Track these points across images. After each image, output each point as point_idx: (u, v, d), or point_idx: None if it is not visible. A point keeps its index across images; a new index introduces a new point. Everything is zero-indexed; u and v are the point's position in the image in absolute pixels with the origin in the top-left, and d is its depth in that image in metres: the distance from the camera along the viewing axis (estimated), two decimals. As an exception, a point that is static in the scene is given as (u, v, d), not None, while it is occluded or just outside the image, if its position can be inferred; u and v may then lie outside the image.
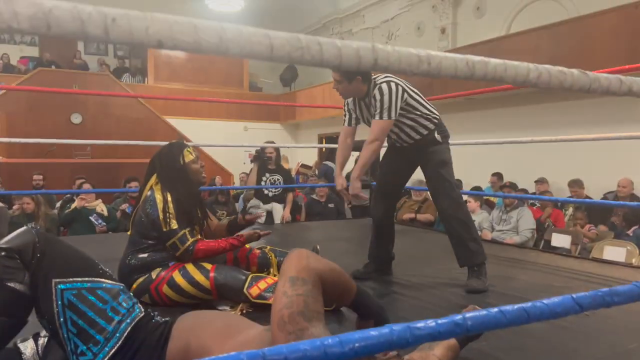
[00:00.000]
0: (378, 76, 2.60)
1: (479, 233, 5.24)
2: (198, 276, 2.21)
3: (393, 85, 2.51)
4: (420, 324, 0.72)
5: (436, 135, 2.68)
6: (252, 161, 5.18)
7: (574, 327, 2.06)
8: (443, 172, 2.65)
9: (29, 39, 12.83)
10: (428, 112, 2.68)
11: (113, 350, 1.22)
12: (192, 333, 1.26)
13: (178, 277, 2.20)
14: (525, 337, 1.96)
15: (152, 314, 1.39)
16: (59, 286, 1.24)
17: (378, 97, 2.50)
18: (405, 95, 2.56)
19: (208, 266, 2.25)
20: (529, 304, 0.82)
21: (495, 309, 0.79)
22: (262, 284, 2.22)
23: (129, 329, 1.26)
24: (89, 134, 8.74)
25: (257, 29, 0.57)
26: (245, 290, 2.18)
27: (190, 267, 2.23)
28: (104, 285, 1.30)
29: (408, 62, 0.66)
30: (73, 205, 5.07)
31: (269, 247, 2.91)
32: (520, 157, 7.12)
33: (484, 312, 0.78)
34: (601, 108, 6.18)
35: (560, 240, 4.79)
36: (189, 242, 2.24)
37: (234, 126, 11.94)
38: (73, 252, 1.36)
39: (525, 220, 5.02)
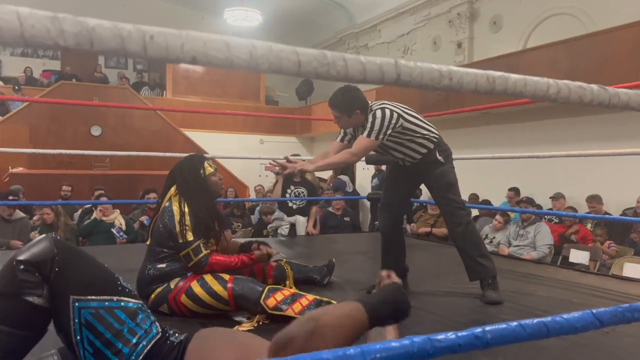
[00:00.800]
0: (374, 103, 2.70)
1: (497, 249, 5.21)
2: (216, 287, 2.23)
3: (387, 111, 2.60)
4: (441, 336, 0.73)
5: (437, 155, 2.73)
6: (276, 174, 5.22)
7: (592, 345, 2.03)
8: (449, 195, 2.74)
9: (51, 53, 13.14)
10: (427, 132, 2.72)
11: None
12: (207, 355, 1.27)
13: (196, 288, 2.22)
14: (541, 354, 1.93)
15: (167, 333, 1.37)
16: (76, 304, 1.22)
17: (370, 119, 2.60)
18: (401, 120, 2.62)
19: (226, 277, 2.26)
20: (548, 319, 0.82)
21: (515, 323, 0.79)
22: (279, 296, 2.23)
23: (145, 352, 1.25)
24: (107, 146, 8.88)
25: (285, 45, 0.59)
26: (262, 301, 2.19)
27: (208, 278, 2.25)
28: (122, 304, 1.28)
29: (430, 78, 0.68)
30: (92, 217, 5.15)
31: (284, 259, 2.93)
32: (538, 172, 7.06)
33: (503, 325, 0.78)
34: (620, 123, 6.11)
35: (578, 256, 4.72)
36: (202, 255, 2.27)
37: (250, 139, 12.03)
38: (92, 267, 1.33)
39: (542, 235, 4.97)
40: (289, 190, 5.03)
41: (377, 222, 7.24)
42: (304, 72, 0.60)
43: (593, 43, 6.12)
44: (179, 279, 2.27)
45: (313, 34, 13.64)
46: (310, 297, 2.27)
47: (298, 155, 5.43)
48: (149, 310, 1.39)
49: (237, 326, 2.14)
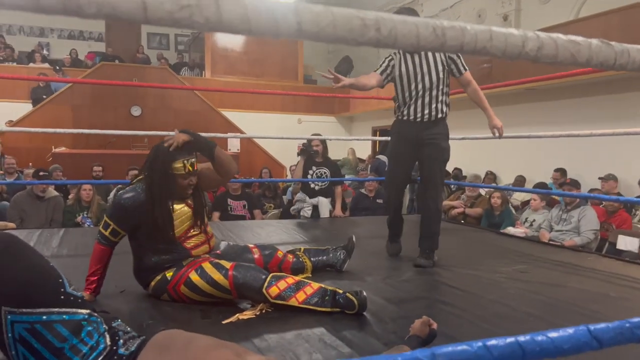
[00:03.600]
0: None
1: (537, 233, 4.90)
2: (216, 275, 2.12)
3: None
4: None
5: (446, 123, 3.05)
6: (298, 154, 5.08)
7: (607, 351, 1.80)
8: (443, 171, 3.10)
9: (97, 34, 13.42)
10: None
11: None
12: None
13: (195, 277, 2.13)
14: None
15: (117, 344, 1.20)
16: (9, 317, 1.06)
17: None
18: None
19: (227, 264, 2.16)
20: (527, 337, 0.65)
21: (479, 343, 0.62)
22: (282, 284, 2.11)
23: None
24: (147, 127, 9.00)
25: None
26: (264, 290, 2.08)
27: (207, 266, 2.15)
28: (64, 317, 1.12)
29: (347, 28, 0.51)
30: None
31: (302, 248, 2.80)
32: (588, 152, 6.61)
33: (463, 346, 0.62)
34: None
35: (627, 243, 4.35)
36: (99, 235, 2.19)
37: (288, 119, 11.93)
38: (30, 272, 1.14)
39: (587, 220, 4.61)
40: (310, 171, 4.87)
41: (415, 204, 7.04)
42: (152, 18, 0.45)
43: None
44: (175, 269, 2.19)
45: (354, 8, 13.27)
46: (315, 285, 2.14)
47: (319, 135, 5.25)
48: (99, 320, 1.22)
49: (238, 314, 2.05)
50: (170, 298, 2.19)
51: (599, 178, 5.99)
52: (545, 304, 2.23)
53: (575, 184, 4.93)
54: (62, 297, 1.14)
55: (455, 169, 8.36)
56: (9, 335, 1.06)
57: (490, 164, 8.12)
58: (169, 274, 2.18)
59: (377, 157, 9.21)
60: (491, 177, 7.95)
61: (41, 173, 5.05)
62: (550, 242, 4.41)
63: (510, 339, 0.64)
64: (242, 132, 9.94)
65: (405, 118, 3.02)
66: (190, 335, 1.20)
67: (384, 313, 2.09)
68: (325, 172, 4.89)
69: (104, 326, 1.21)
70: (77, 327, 1.12)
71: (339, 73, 3.05)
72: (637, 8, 5.73)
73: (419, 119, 2.97)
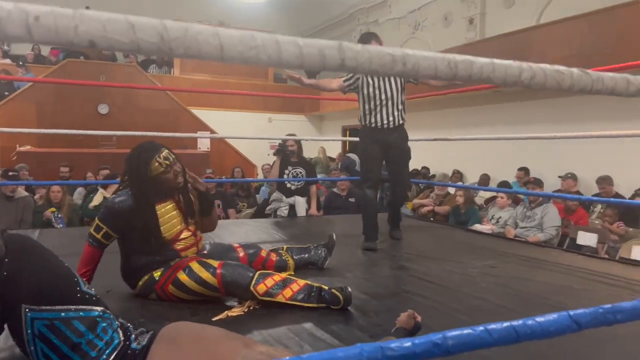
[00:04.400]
0: None
1: (503, 229, 5.13)
2: (204, 274, 2.18)
3: None
4: (395, 344, 0.67)
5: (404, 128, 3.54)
6: (274, 154, 5.15)
7: (588, 333, 1.97)
8: (407, 168, 3.70)
9: (60, 30, 13.04)
10: None
11: None
12: None
13: (183, 277, 2.18)
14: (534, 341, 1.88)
15: (129, 339, 1.27)
16: (29, 314, 1.12)
17: None
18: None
19: (215, 263, 2.22)
20: (519, 322, 0.76)
21: (481, 327, 0.73)
22: (269, 281, 2.19)
23: None
24: (115, 125, 8.87)
25: (205, 26, 0.52)
26: (252, 288, 2.16)
27: (195, 266, 2.21)
28: (81, 314, 1.18)
29: (380, 63, 0.61)
30: (96, 197, 5.12)
31: (285, 247, 2.89)
32: (549, 152, 6.92)
33: (467, 330, 0.73)
34: (636, 102, 5.92)
35: (586, 238, 4.62)
36: (89, 238, 2.23)
37: (258, 117, 11.96)
38: (48, 272, 1.20)
39: (549, 217, 4.86)
40: (286, 171, 4.95)
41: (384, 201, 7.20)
42: (227, 57, 0.53)
43: (611, 18, 5.89)
44: (163, 269, 2.23)
45: (323, 10, 13.40)
46: (302, 282, 2.23)
47: (294, 135, 5.33)
48: (112, 317, 1.29)
49: (227, 311, 2.11)
50: (158, 297, 2.24)
51: (559, 177, 6.29)
52: (515, 297, 2.39)
53: (539, 183, 5.19)
54: (78, 295, 1.20)
55: (423, 167, 8.58)
56: (29, 331, 1.11)
57: (456, 164, 8.37)
58: (156, 274, 2.23)
59: (347, 155, 9.35)
60: (458, 175, 8.20)
61: (10, 173, 4.95)
62: (516, 238, 4.63)
63: (506, 324, 0.75)
64: (211, 131, 9.91)
65: (372, 125, 3.44)
66: (199, 326, 1.27)
67: (367, 307, 2.20)
68: (301, 172, 4.98)
69: (117, 322, 1.28)
70: (92, 323, 1.18)
71: (309, 73, 3.39)
72: (599, 14, 6.03)
73: (385, 126, 3.42)
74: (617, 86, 0.77)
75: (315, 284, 2.23)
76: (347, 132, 11.22)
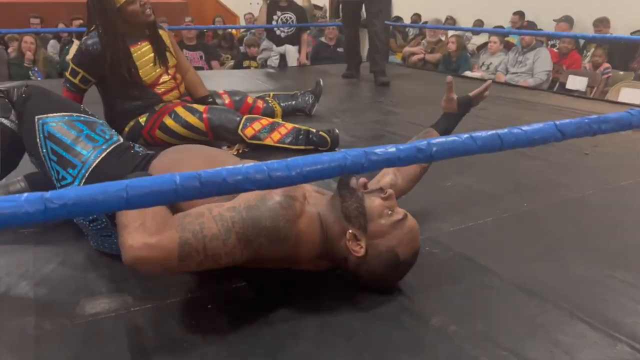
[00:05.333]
0: None
1: (494, 75, 5.05)
2: (191, 119, 2.16)
3: None
4: (379, 150, 0.67)
5: None
6: None
7: (569, 164, 2.04)
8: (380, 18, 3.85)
9: None
10: None
11: (88, 173, 1.24)
12: (172, 166, 1.24)
13: (169, 122, 2.15)
14: (517, 173, 1.95)
15: (133, 144, 1.39)
16: (40, 121, 1.29)
17: None
18: None
19: (200, 108, 2.18)
20: (504, 130, 0.76)
21: (466, 135, 0.73)
22: (257, 125, 2.18)
23: (104, 154, 1.27)
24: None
25: None
26: (240, 131, 2.15)
27: (180, 110, 2.17)
28: (82, 118, 1.33)
29: None
30: (73, 49, 4.87)
31: (272, 94, 2.82)
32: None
33: (453, 137, 0.72)
34: None
35: (576, 82, 4.57)
36: (65, 82, 2.14)
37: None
38: (59, 97, 1.41)
39: (541, 62, 4.75)
40: (275, 17, 4.65)
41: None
42: None
43: None
44: (148, 114, 2.18)
45: None
46: (289, 125, 2.23)
47: None
48: (113, 130, 1.42)
49: (216, 154, 2.14)
50: (146, 143, 2.23)
51: (554, 20, 6.04)
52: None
53: (533, 27, 4.99)
54: (82, 110, 1.39)
55: (415, 14, 8.18)
56: (40, 136, 1.28)
57: (449, 9, 7.97)
58: (142, 119, 2.20)
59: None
60: (451, 21, 7.85)
61: (-23, 25, 4.65)
62: (506, 83, 4.59)
63: (491, 132, 0.75)
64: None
65: None
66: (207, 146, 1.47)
67: (354, 147, 2.22)
68: (291, 17, 4.67)
69: (117, 136, 1.39)
70: (93, 124, 1.34)
71: None
72: None
73: None
74: None
75: (303, 127, 2.22)
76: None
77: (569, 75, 4.67)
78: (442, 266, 1.28)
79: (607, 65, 4.65)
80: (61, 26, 6.16)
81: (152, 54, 2.17)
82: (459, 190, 1.78)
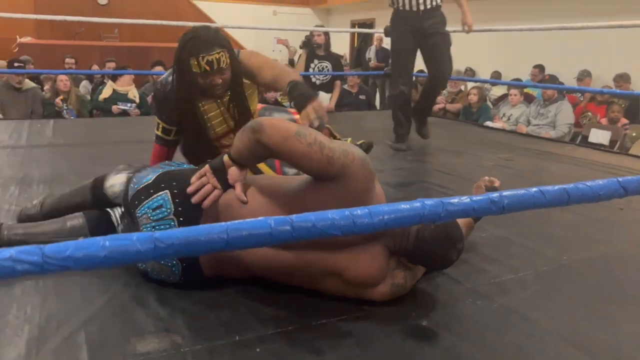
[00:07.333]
0: None
1: (515, 127, 5.10)
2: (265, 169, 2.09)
3: None
4: (454, 200, 0.69)
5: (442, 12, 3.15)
6: (300, 47, 4.91)
7: (605, 219, 2.03)
8: (448, 54, 3.20)
9: None
10: None
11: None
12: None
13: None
14: (550, 225, 1.94)
15: None
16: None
17: None
18: None
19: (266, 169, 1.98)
20: (570, 185, 0.77)
21: (535, 189, 0.75)
22: None
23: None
24: (114, 16, 8.51)
25: None
26: None
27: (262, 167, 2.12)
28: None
29: None
30: (106, 90, 5.00)
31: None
32: (566, 50, 6.67)
33: (522, 191, 0.74)
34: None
35: (598, 136, 4.60)
36: (155, 137, 2.00)
37: (262, 10, 11.43)
38: None
39: (563, 114, 4.81)
40: (312, 65, 4.76)
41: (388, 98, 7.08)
42: None
43: None
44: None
45: None
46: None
47: (322, 26, 5.07)
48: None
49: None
50: None
51: (575, 78, 6.13)
52: (528, 185, 2.44)
53: (554, 80, 5.07)
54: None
55: (435, 64, 8.35)
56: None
57: (469, 61, 8.14)
58: None
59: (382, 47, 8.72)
60: (470, 73, 8.01)
61: (16, 64, 4.83)
62: (528, 134, 4.62)
63: (558, 187, 0.76)
64: (212, 22, 9.52)
65: (403, 8, 3.10)
66: None
67: (387, 196, 2.24)
68: (327, 66, 4.79)
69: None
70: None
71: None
72: None
73: (419, 8, 3.07)
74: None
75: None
76: (356, 27, 10.78)
77: (592, 129, 4.71)
78: (487, 317, 1.27)
79: (625, 120, 4.69)
80: (95, 67, 6.38)
81: (219, 114, 1.95)
82: (496, 242, 1.78)
